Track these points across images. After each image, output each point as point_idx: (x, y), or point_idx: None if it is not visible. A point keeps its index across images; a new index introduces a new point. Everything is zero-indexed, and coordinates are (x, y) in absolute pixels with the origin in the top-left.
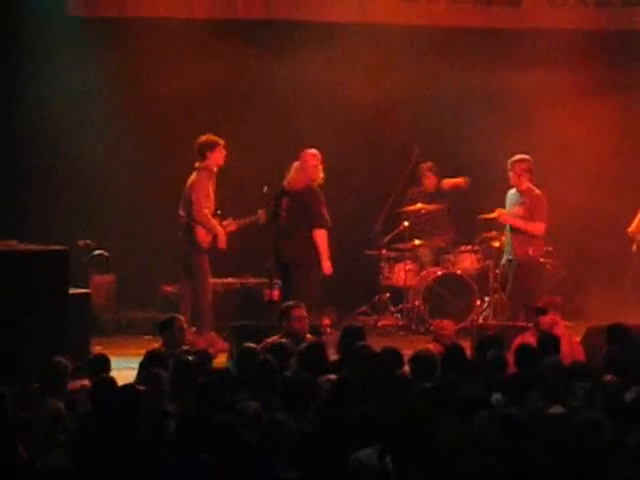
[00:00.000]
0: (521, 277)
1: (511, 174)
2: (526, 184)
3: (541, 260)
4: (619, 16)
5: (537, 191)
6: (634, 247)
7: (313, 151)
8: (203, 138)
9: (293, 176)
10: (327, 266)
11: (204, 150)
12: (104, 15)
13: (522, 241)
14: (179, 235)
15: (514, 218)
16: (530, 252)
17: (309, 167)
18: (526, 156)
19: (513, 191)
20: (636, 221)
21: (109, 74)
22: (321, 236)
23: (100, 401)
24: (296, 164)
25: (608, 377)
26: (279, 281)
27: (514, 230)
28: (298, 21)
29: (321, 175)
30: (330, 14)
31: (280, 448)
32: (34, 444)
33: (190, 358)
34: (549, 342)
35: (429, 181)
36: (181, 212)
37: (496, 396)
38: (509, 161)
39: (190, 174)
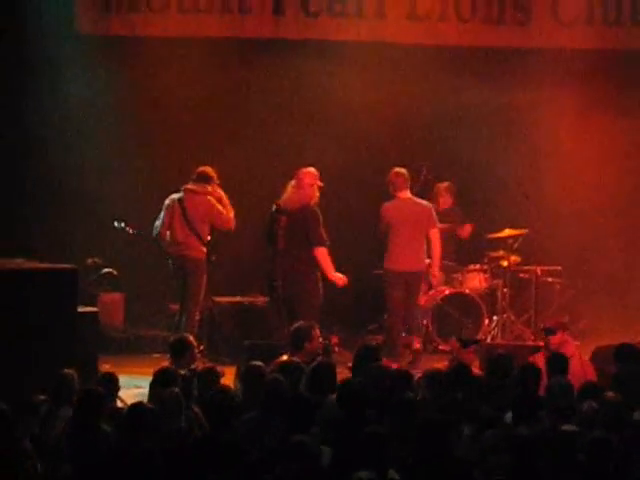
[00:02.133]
0: None
1: None
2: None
3: (549, 279)
4: (628, 36)
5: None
6: None
7: (310, 170)
8: (210, 170)
9: (289, 195)
10: (338, 278)
11: (211, 180)
12: (114, 34)
13: None
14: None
15: None
16: None
17: (305, 186)
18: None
19: None
20: None
21: (118, 92)
22: (322, 254)
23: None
24: (292, 182)
25: (610, 395)
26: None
27: None
28: (307, 39)
29: (317, 194)
30: (339, 33)
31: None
32: (45, 456)
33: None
34: (557, 362)
35: (444, 200)
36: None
37: (508, 415)
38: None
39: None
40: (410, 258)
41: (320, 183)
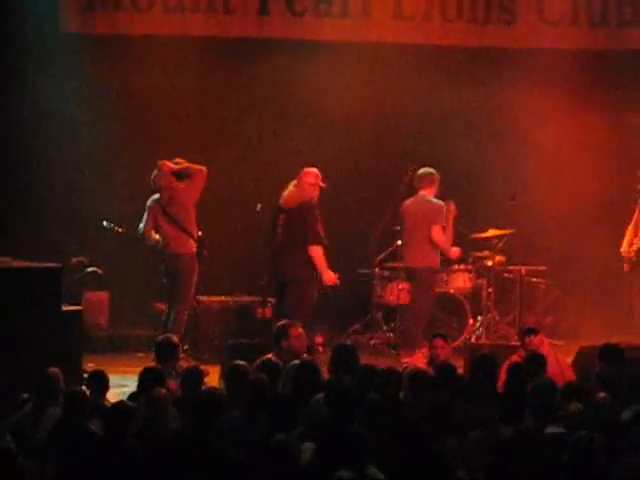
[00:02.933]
0: None
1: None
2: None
3: (533, 279)
4: (613, 36)
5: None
6: (626, 267)
7: (312, 169)
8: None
9: (289, 193)
10: (329, 277)
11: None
12: (98, 32)
13: None
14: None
15: None
16: None
17: (305, 185)
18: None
19: None
20: (626, 241)
21: (103, 91)
22: (317, 252)
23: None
24: (293, 182)
25: (601, 395)
26: (272, 299)
27: None
28: (293, 39)
29: (317, 194)
30: (324, 32)
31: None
32: (30, 455)
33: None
34: (536, 362)
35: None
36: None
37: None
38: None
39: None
40: (413, 254)
41: (322, 184)
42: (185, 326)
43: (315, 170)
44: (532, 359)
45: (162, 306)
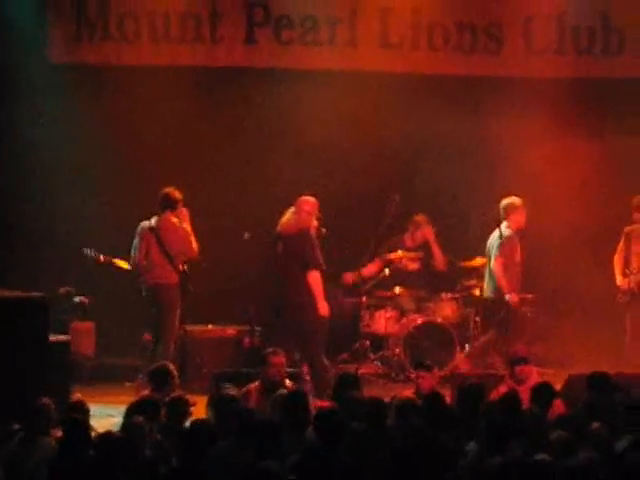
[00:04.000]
0: None
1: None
2: None
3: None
4: (600, 65)
5: None
6: (620, 297)
7: (308, 198)
8: (176, 193)
9: (287, 221)
10: (323, 307)
11: (178, 203)
12: (86, 63)
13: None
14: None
15: None
16: None
17: (302, 213)
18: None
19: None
20: (618, 271)
21: (90, 121)
22: (315, 278)
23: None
24: (291, 209)
25: (595, 425)
26: (260, 328)
27: None
28: (280, 68)
29: (315, 222)
30: (311, 61)
31: None
32: None
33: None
34: (543, 392)
35: (427, 231)
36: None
37: (471, 445)
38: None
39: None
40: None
41: (318, 214)
42: (172, 356)
43: (313, 199)
44: (538, 390)
45: (149, 336)
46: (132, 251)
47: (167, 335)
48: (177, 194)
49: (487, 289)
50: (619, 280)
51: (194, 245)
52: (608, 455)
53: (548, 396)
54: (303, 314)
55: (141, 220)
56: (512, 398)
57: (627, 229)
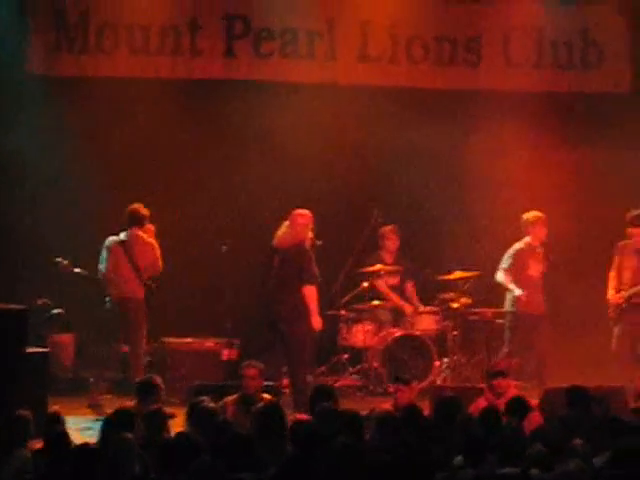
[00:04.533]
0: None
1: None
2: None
3: (499, 321)
4: (578, 79)
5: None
6: (611, 312)
7: (303, 211)
8: (143, 209)
9: (282, 234)
10: (317, 322)
11: (145, 220)
12: (65, 74)
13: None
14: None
15: None
16: None
17: (298, 226)
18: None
19: (530, 247)
20: (611, 286)
21: (67, 132)
22: (311, 292)
23: (54, 457)
24: (286, 223)
25: (577, 442)
26: (237, 341)
27: None
28: (259, 81)
29: (310, 235)
30: (290, 74)
31: None
32: None
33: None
34: (517, 406)
35: (391, 244)
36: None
37: (457, 459)
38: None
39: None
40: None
41: (312, 226)
42: (150, 368)
43: (305, 211)
44: (512, 403)
45: (126, 348)
46: (100, 264)
47: (138, 346)
48: (144, 211)
49: (507, 304)
50: (610, 295)
51: (160, 262)
52: (587, 471)
53: (522, 410)
54: (295, 328)
55: (117, 232)
56: (491, 413)
57: (620, 244)
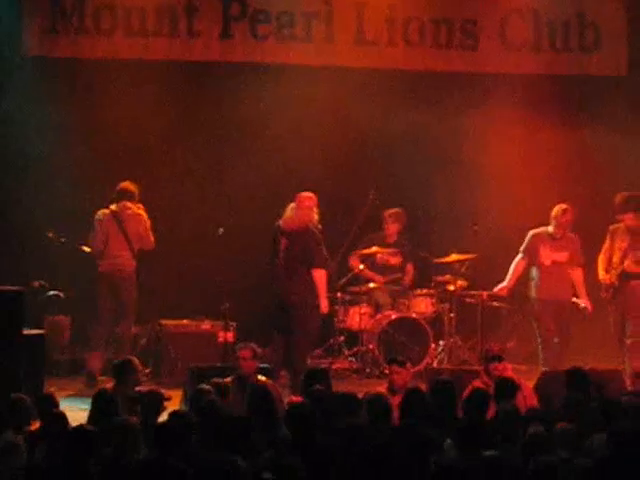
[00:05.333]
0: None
1: (568, 219)
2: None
3: (495, 304)
4: (575, 61)
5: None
6: (604, 293)
7: (308, 194)
8: (132, 186)
9: (289, 216)
10: (325, 305)
11: (133, 196)
12: (60, 56)
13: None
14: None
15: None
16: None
17: (304, 208)
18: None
19: (549, 234)
20: (601, 267)
21: (65, 115)
22: (321, 276)
23: (51, 437)
24: (292, 205)
25: (562, 424)
26: (234, 323)
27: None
28: (255, 63)
29: (315, 217)
30: (287, 57)
31: None
32: None
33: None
34: (505, 387)
35: (389, 228)
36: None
37: (448, 442)
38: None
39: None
40: None
41: (317, 209)
42: (145, 349)
43: (310, 194)
44: (500, 384)
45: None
46: (90, 237)
47: (130, 320)
48: (134, 187)
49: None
50: (601, 275)
51: (151, 236)
52: (579, 454)
53: (510, 390)
54: (300, 312)
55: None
56: (478, 394)
57: (611, 227)
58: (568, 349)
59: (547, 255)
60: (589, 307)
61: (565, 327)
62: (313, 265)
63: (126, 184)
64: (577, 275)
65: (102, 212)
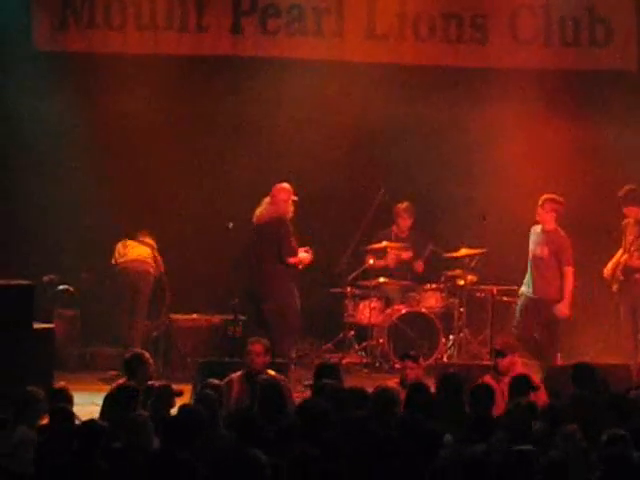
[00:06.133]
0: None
1: (539, 210)
2: (553, 225)
3: (505, 299)
4: (585, 56)
5: (563, 233)
6: (615, 287)
7: (283, 185)
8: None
9: (262, 210)
10: (304, 257)
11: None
12: (71, 50)
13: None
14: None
15: (568, 302)
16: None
17: (279, 201)
18: (559, 197)
19: (538, 229)
20: (612, 261)
21: (75, 109)
22: (292, 260)
23: (57, 432)
24: (267, 199)
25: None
26: (244, 317)
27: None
28: (265, 57)
29: (291, 209)
30: (297, 51)
31: None
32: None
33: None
34: (519, 383)
35: (404, 222)
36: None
37: (447, 436)
38: (541, 197)
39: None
40: None
41: (294, 197)
42: (155, 344)
43: (287, 185)
44: (515, 381)
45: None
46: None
47: (142, 318)
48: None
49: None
50: (607, 270)
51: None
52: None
53: (525, 388)
54: (272, 305)
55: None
56: (481, 389)
57: (623, 223)
58: (554, 349)
59: (530, 249)
60: (563, 312)
61: (547, 326)
62: (283, 255)
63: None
64: (565, 275)
65: None
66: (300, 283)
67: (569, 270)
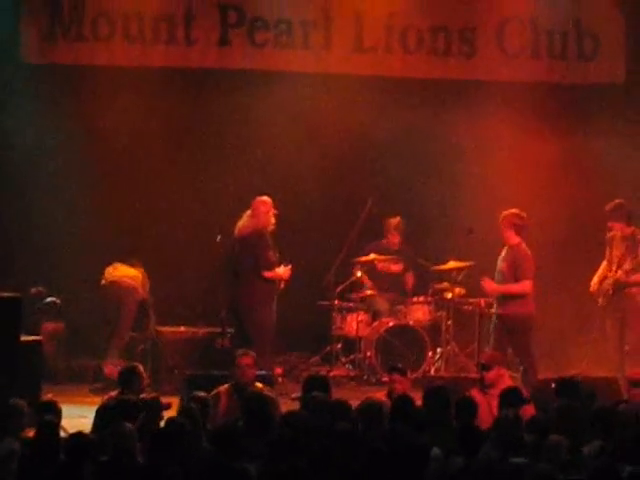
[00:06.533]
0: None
1: (500, 226)
2: (515, 239)
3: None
4: (573, 69)
5: (523, 247)
6: (601, 300)
7: (264, 198)
8: None
9: (243, 223)
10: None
11: None
12: (59, 63)
13: (508, 300)
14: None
15: (498, 287)
16: (516, 310)
17: (259, 214)
18: (516, 210)
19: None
20: (598, 274)
21: (63, 122)
22: (269, 275)
23: (43, 445)
24: (248, 212)
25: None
26: (231, 329)
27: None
28: (253, 70)
29: (272, 221)
30: (286, 64)
31: None
32: None
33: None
34: (510, 396)
35: (393, 237)
36: None
37: (435, 450)
38: (501, 214)
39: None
40: None
41: (274, 210)
42: (142, 357)
43: (267, 198)
44: (504, 394)
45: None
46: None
47: (124, 330)
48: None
49: None
50: (594, 284)
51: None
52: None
53: (515, 401)
54: (250, 317)
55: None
56: (465, 402)
57: (608, 236)
58: (530, 359)
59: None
60: (487, 286)
61: (515, 340)
62: (260, 269)
63: None
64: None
65: None
66: (287, 296)
67: (525, 282)
